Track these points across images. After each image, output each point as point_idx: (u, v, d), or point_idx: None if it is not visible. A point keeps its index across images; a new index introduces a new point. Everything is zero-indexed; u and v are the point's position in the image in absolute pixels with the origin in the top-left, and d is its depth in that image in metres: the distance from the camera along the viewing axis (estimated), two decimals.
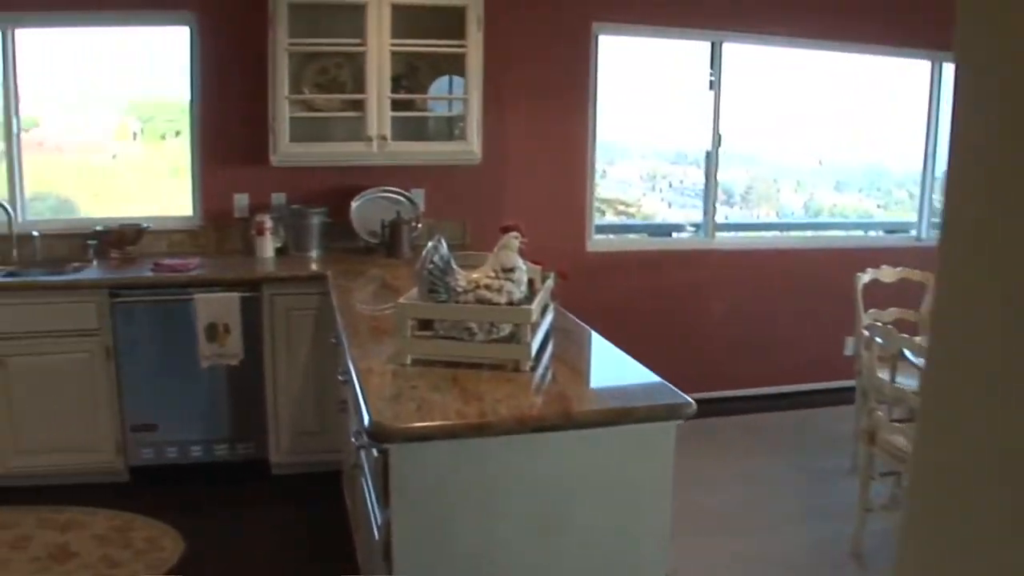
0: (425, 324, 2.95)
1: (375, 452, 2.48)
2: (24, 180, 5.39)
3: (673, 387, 2.59)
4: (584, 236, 6.06)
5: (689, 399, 2.50)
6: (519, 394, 2.56)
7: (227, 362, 4.76)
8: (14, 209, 5.29)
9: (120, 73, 5.43)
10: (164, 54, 5.42)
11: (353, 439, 2.45)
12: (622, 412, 2.47)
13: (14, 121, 5.28)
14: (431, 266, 2.83)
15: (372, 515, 2.73)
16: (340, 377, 3.44)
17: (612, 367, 3.02)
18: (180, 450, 4.87)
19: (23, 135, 5.34)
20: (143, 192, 5.61)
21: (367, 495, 2.87)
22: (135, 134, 5.59)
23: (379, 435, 2.34)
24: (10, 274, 4.95)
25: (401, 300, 2.91)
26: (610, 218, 6.54)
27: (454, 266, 2.91)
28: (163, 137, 5.57)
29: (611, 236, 6.40)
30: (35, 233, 5.21)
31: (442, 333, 2.89)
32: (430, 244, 2.87)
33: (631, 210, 6.74)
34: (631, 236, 6.65)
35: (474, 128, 5.25)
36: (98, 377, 4.71)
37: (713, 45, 6.15)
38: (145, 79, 5.47)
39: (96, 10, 5.21)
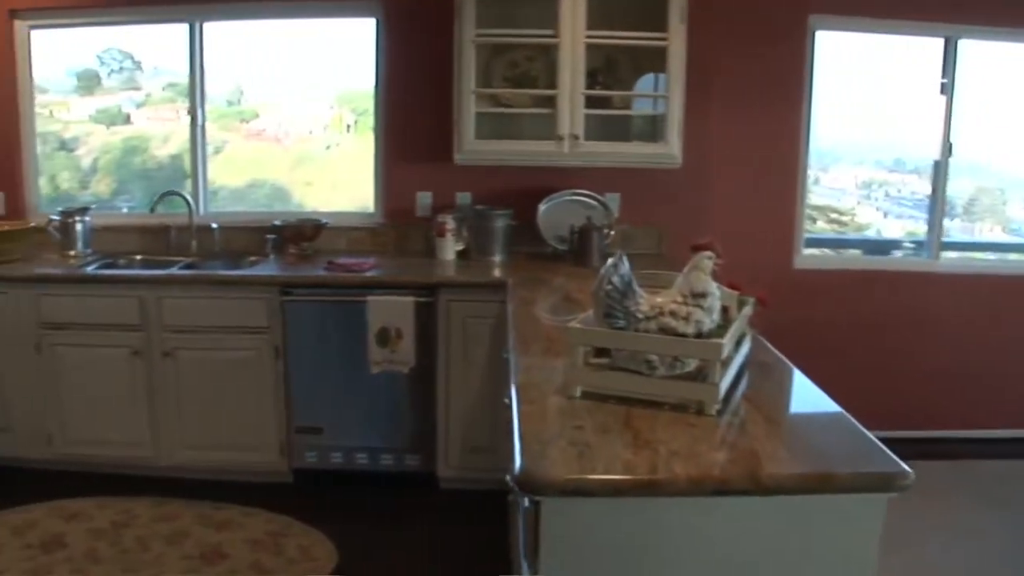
0: (601, 351, 2.60)
1: (526, 501, 2.14)
2: (207, 171, 5.46)
3: (887, 450, 2.14)
4: (791, 250, 5.54)
5: (906, 468, 2.04)
6: (700, 445, 2.17)
7: (397, 369, 4.55)
8: (196, 201, 5.35)
9: (336, 66, 5.43)
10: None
11: (508, 477, 2.13)
12: (822, 479, 2.03)
13: (199, 112, 5.35)
14: (609, 287, 2.47)
15: (522, 570, 2.40)
16: (505, 400, 3.12)
17: (813, 415, 2.56)
18: (345, 456, 4.73)
19: (243, 126, 5.50)
20: (352, 183, 5.56)
21: (520, 543, 2.54)
22: (349, 126, 5.59)
23: (529, 486, 2.02)
24: (187, 266, 5.01)
25: (573, 324, 2.56)
26: (821, 226, 5.98)
27: (636, 288, 2.54)
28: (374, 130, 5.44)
29: (827, 251, 5.85)
30: (214, 225, 5.25)
31: (618, 364, 2.53)
32: (609, 262, 2.51)
33: (844, 218, 6.18)
34: (848, 252, 6.03)
35: (675, 129, 4.82)
36: (266, 376, 4.64)
37: (947, 41, 5.49)
38: (360, 72, 5.38)
39: (283, 1, 5.15)
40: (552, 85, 4.79)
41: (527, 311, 3.79)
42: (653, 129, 5.11)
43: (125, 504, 4.49)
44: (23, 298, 4.67)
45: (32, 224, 5.23)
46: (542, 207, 5.09)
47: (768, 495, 2.01)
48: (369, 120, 5.44)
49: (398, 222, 5.31)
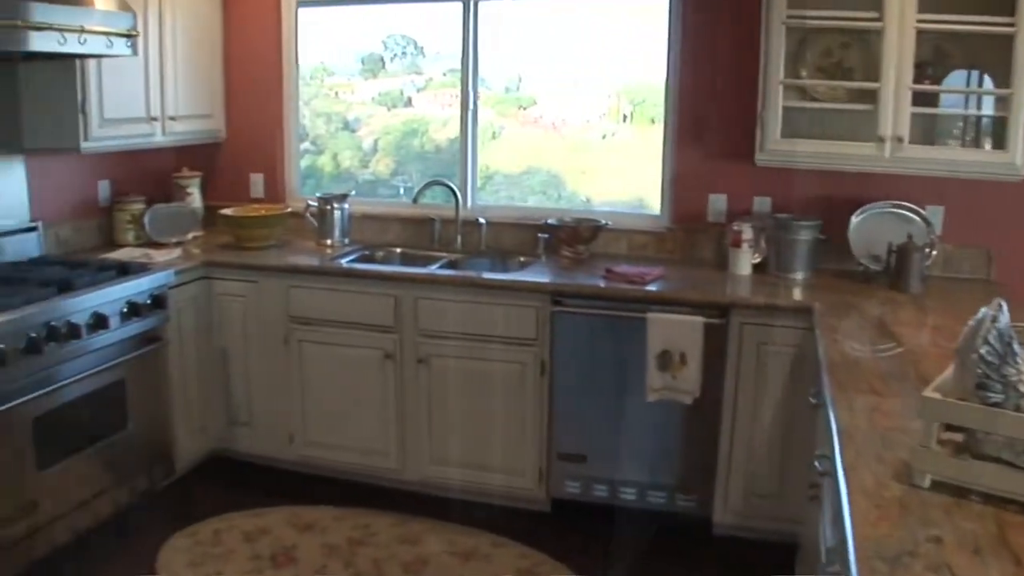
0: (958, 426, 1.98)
1: None
2: (477, 160, 5.21)
3: None
4: None
5: None
6: None
7: (679, 398, 4.02)
8: (464, 192, 5.10)
9: (615, 54, 5.10)
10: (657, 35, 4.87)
11: None
12: None
13: (470, 97, 5.12)
14: (985, 349, 1.85)
15: None
16: (817, 465, 2.53)
17: None
18: (609, 489, 4.27)
19: (521, 112, 5.39)
20: (628, 174, 5.24)
21: None
22: (625, 116, 5.28)
23: None
24: (449, 264, 4.77)
25: (928, 392, 1.95)
26: None
27: (1016, 349, 1.90)
28: (653, 121, 5.08)
29: None
30: (482, 220, 4.97)
31: (985, 450, 1.90)
32: (983, 313, 1.89)
33: None
34: None
35: (1019, 135, 4.00)
36: (528, 394, 4.25)
37: None
38: (637, 61, 5.04)
39: None
40: (869, 77, 4.12)
41: (841, 346, 3.19)
42: (1002, 133, 4.25)
43: (364, 518, 4.26)
44: (274, 288, 4.53)
45: (289, 209, 5.14)
46: (854, 219, 4.38)
47: None
48: (646, 110, 5.06)
49: (686, 227, 4.79)
